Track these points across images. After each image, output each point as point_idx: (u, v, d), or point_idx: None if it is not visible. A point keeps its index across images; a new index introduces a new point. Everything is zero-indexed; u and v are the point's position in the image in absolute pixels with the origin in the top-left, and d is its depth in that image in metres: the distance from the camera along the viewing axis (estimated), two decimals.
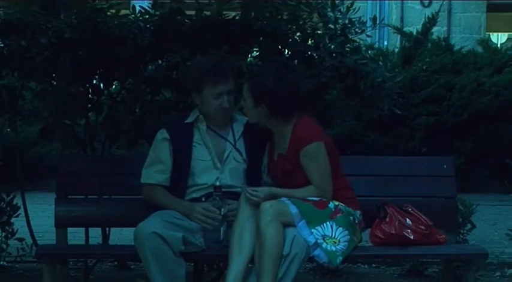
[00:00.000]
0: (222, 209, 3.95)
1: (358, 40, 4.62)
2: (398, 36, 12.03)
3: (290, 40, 4.59)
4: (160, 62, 4.75)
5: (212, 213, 3.94)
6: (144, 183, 4.14)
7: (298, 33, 4.60)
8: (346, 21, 4.52)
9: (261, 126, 4.14)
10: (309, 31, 4.59)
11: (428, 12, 11.74)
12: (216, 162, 4.09)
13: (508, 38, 15.86)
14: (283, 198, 3.94)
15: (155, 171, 4.12)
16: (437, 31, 11.53)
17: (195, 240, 3.93)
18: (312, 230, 3.89)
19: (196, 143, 4.12)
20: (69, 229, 4.38)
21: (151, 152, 4.18)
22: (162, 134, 4.14)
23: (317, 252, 3.89)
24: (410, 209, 4.23)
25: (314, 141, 4.00)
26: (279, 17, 4.51)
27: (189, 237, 3.88)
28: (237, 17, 4.53)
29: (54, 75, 4.77)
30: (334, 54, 4.48)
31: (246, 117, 4.17)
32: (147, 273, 3.85)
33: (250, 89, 4.02)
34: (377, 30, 10.43)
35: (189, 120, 4.15)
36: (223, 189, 3.98)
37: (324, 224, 3.93)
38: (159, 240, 3.75)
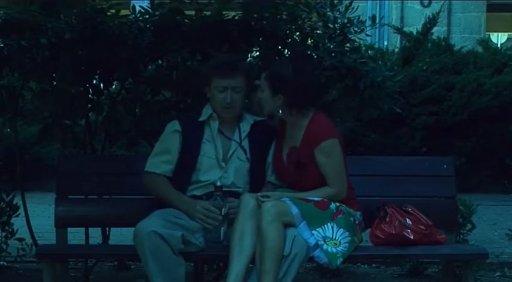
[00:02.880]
0: (223, 209, 3.94)
1: (357, 40, 4.62)
2: (398, 36, 12.05)
3: (289, 40, 4.59)
4: (160, 62, 4.76)
5: (212, 213, 3.94)
6: (148, 171, 4.13)
7: (297, 33, 4.60)
8: (345, 21, 4.53)
9: (270, 123, 4.17)
10: (308, 31, 4.59)
11: (428, 12, 11.76)
12: (221, 161, 4.10)
13: (508, 38, 15.85)
14: (285, 198, 3.93)
15: (161, 161, 4.11)
16: (437, 31, 11.53)
17: (195, 239, 3.93)
18: (313, 232, 3.88)
19: (206, 140, 4.12)
20: (69, 229, 4.38)
21: (158, 143, 4.18)
22: (174, 125, 4.15)
23: (317, 253, 3.88)
24: (410, 209, 4.22)
25: (331, 138, 4.02)
26: (279, 16, 4.51)
27: (188, 237, 3.88)
28: (236, 17, 4.53)
29: (54, 75, 4.77)
30: (333, 54, 4.49)
31: (254, 116, 4.18)
32: (147, 273, 3.84)
33: (268, 78, 4.03)
34: (377, 30, 10.47)
35: (202, 118, 4.15)
36: (224, 189, 3.99)
37: (325, 225, 3.92)
38: (159, 239, 3.75)
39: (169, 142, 4.13)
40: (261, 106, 4.12)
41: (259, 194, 3.95)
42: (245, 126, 4.17)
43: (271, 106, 4.07)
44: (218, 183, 3.98)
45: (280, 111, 4.07)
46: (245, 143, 4.15)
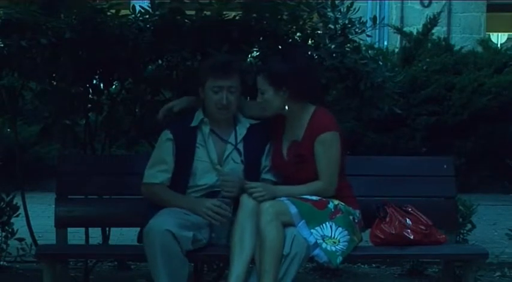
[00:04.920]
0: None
1: (358, 40, 4.62)
2: (398, 36, 12.04)
3: (290, 40, 4.59)
4: (160, 62, 4.75)
5: (223, 211, 3.93)
6: (146, 182, 4.13)
7: (298, 34, 4.60)
8: (346, 21, 4.53)
9: (268, 121, 4.17)
10: (309, 31, 4.59)
11: (428, 12, 11.75)
12: (215, 164, 4.09)
13: (508, 38, 15.84)
14: (283, 198, 3.94)
15: (158, 170, 4.11)
16: (438, 31, 11.53)
17: (201, 235, 3.94)
18: (312, 230, 3.89)
19: (199, 144, 4.12)
20: (69, 229, 4.38)
21: (154, 153, 4.18)
22: (166, 134, 4.14)
23: (317, 252, 3.89)
24: (410, 209, 4.22)
25: (331, 130, 4.02)
26: (279, 17, 4.51)
27: (196, 234, 3.89)
28: (237, 17, 4.53)
29: (54, 75, 4.77)
30: (334, 54, 4.49)
31: (248, 119, 4.17)
32: (152, 270, 3.82)
33: (267, 78, 4.02)
34: (377, 30, 10.44)
35: (193, 123, 4.14)
36: (218, 189, 4.01)
37: (323, 225, 3.93)
38: (171, 238, 3.74)
39: (164, 152, 4.12)
40: (264, 109, 4.11)
41: (246, 183, 3.96)
42: (241, 129, 4.16)
43: (278, 104, 4.05)
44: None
45: (284, 108, 4.07)
46: (240, 146, 4.14)
